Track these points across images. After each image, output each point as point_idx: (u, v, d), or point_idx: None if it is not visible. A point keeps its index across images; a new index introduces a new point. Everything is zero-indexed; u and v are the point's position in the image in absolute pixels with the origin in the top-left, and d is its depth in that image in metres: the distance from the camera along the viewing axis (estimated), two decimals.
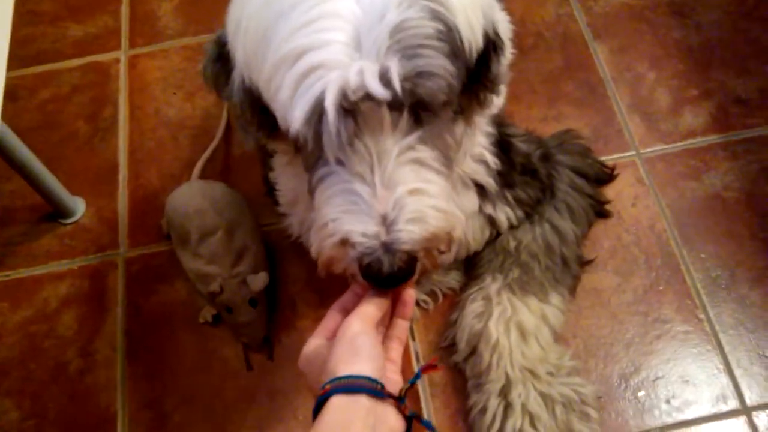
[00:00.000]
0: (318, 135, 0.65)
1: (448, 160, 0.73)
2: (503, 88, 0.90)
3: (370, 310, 0.70)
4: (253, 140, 0.82)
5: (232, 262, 1.08)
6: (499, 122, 1.02)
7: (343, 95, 0.62)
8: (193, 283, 1.12)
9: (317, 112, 0.63)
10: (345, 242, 0.68)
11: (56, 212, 1.26)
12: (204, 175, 1.23)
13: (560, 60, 1.37)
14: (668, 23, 1.39)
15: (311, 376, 0.70)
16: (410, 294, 0.75)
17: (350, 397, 0.63)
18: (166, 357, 1.13)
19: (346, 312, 0.72)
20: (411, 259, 0.68)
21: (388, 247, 0.66)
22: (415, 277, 0.71)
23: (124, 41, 1.47)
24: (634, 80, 1.33)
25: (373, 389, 0.63)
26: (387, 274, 0.67)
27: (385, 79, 0.61)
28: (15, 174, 1.17)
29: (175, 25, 1.49)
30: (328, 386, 0.63)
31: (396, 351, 0.74)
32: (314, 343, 0.72)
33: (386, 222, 0.66)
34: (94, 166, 1.32)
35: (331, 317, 0.74)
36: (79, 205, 1.27)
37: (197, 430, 1.07)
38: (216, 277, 1.07)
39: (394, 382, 0.70)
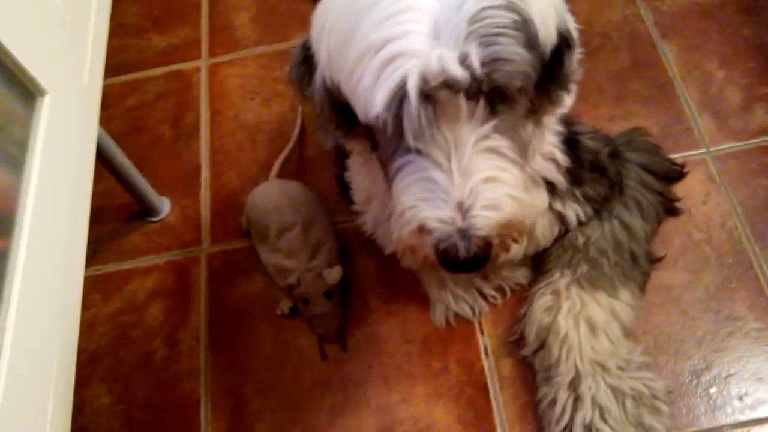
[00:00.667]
0: (398, 120, 0.68)
1: (522, 152, 0.75)
2: (573, 87, 0.93)
3: None
4: (331, 139, 0.87)
5: (309, 256, 1.13)
6: (568, 121, 1.03)
7: (424, 80, 0.65)
8: (271, 277, 1.18)
9: (398, 96, 0.66)
10: (422, 229, 0.71)
11: (144, 211, 1.34)
12: (280, 176, 1.29)
13: (627, 59, 1.37)
14: (737, 21, 1.38)
15: None
16: None
17: None
18: (245, 347, 1.19)
19: None
20: (486, 245, 0.71)
21: (464, 233, 0.69)
22: (489, 263, 0.73)
23: (204, 51, 1.56)
24: (703, 78, 1.33)
25: None
26: (463, 259, 0.70)
27: (465, 64, 0.64)
28: (105, 175, 1.25)
29: (252, 35, 1.56)
30: None
31: None
32: None
33: (462, 209, 0.69)
34: (178, 168, 1.40)
35: None
36: (165, 205, 1.35)
37: (274, 417, 1.12)
38: (293, 271, 1.12)
39: None
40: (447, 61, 0.64)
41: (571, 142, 1.02)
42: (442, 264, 0.72)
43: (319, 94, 0.79)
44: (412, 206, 0.71)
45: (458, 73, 0.65)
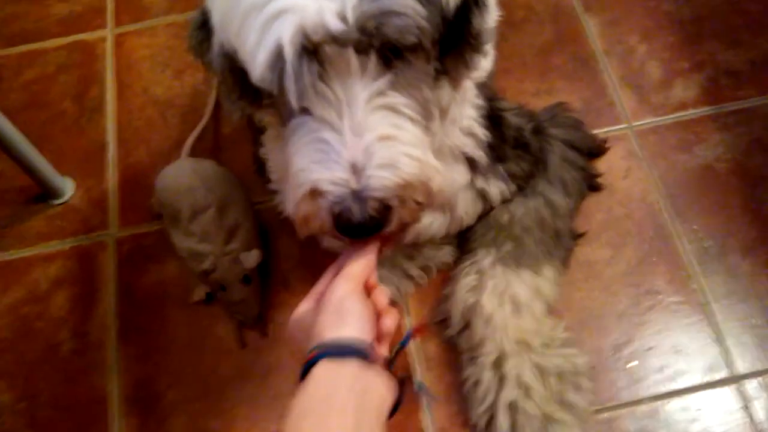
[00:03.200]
0: (282, 81, 0.64)
1: (426, 113, 0.72)
2: (490, 51, 0.89)
3: (356, 268, 0.68)
4: (237, 110, 0.81)
5: (225, 239, 1.08)
6: (490, 96, 1.01)
7: (305, 36, 0.61)
8: (185, 262, 1.11)
9: (279, 55, 0.62)
10: (315, 192, 0.67)
11: (45, 193, 1.25)
12: (193, 154, 1.21)
13: (551, 33, 1.36)
14: None
15: (299, 343, 0.68)
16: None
17: (337, 362, 0.60)
18: (159, 336, 1.13)
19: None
20: (384, 207, 0.67)
21: (358, 195, 0.65)
22: (391, 228, 0.69)
23: (110, 19, 1.45)
24: (626, 53, 1.33)
25: (361, 351, 0.61)
26: (358, 222, 0.66)
27: (343, 16, 0.61)
28: (2, 155, 1.15)
29: (161, 3, 1.47)
30: (314, 351, 0.61)
31: (389, 323, 0.71)
32: (303, 307, 0.70)
33: (356, 169, 0.65)
34: (82, 146, 1.31)
35: (324, 280, 0.72)
36: (68, 186, 1.26)
37: (192, 408, 1.07)
38: (208, 255, 1.07)
39: (390, 351, 0.68)
40: (326, 13, 0.60)
41: (494, 118, 1.00)
42: (338, 228, 0.68)
43: (217, 61, 0.73)
44: (304, 168, 0.67)
45: (337, 26, 0.61)
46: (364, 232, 0.68)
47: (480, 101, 0.96)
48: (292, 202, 0.71)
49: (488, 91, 1.00)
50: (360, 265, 0.69)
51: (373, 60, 0.65)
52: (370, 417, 0.61)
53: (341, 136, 0.65)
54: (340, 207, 0.66)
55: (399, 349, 0.69)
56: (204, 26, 0.74)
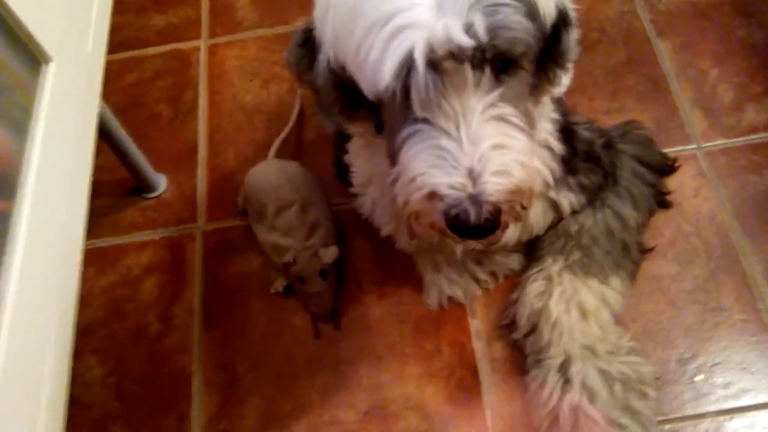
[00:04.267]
0: (406, 91, 0.70)
1: (530, 121, 0.77)
2: (570, 67, 0.94)
3: None
4: (333, 123, 0.88)
5: (306, 235, 1.14)
6: (564, 111, 1.05)
7: (430, 50, 0.67)
8: (267, 255, 1.19)
9: (406, 66, 0.68)
10: (432, 195, 0.73)
11: (140, 187, 1.34)
12: (278, 157, 1.29)
13: (623, 55, 1.40)
14: (732, 21, 1.40)
15: None
16: None
17: None
18: (239, 324, 1.20)
19: None
20: (496, 211, 0.73)
21: (474, 199, 0.71)
22: (500, 231, 0.75)
23: (204, 31, 1.56)
24: (697, 76, 1.35)
25: None
26: (473, 225, 0.72)
27: (470, 32, 0.67)
28: (103, 149, 1.25)
29: (252, 17, 1.57)
30: None
31: None
32: None
33: (473, 175, 0.71)
34: (175, 146, 1.40)
35: None
36: (161, 181, 1.35)
37: (266, 393, 1.13)
38: (290, 249, 1.13)
39: None
40: (453, 29, 0.66)
41: (566, 132, 1.04)
42: (452, 229, 0.74)
43: (323, 76, 0.80)
44: (423, 173, 0.73)
45: (464, 40, 0.66)
46: (478, 234, 0.73)
47: (555, 115, 1.01)
48: (403, 199, 0.77)
49: (562, 107, 1.05)
50: None
51: (486, 74, 0.71)
52: None
53: (459, 145, 0.71)
54: (457, 210, 0.72)
55: None
56: (306, 44, 0.82)
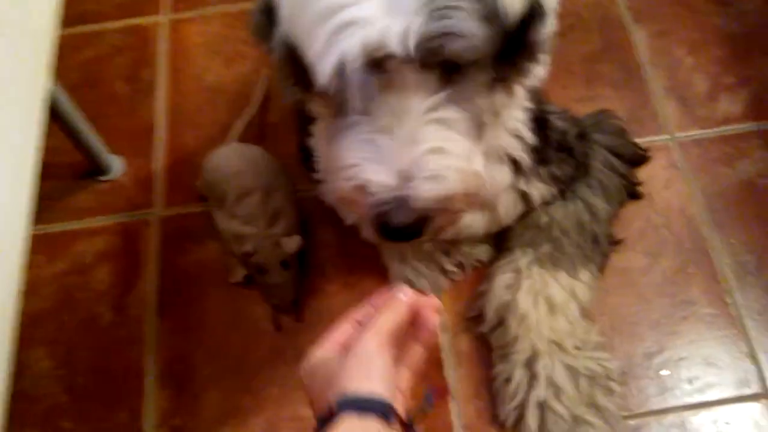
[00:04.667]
0: (344, 89, 0.67)
1: (479, 124, 0.74)
2: (546, 59, 0.91)
3: (387, 326, 0.65)
4: (291, 95, 0.84)
5: (267, 223, 1.10)
6: (538, 99, 1.02)
7: (368, 51, 0.64)
8: (226, 244, 1.14)
9: (343, 67, 0.65)
10: (361, 189, 0.70)
11: (94, 170, 1.28)
12: (240, 140, 1.24)
13: (598, 42, 1.36)
14: (709, 9, 1.38)
15: (313, 389, 0.67)
16: (433, 322, 0.69)
17: (360, 419, 0.59)
18: (196, 315, 1.15)
19: (359, 325, 0.68)
20: (422, 217, 0.70)
21: (401, 202, 0.68)
22: (427, 236, 0.72)
23: (166, 5, 1.49)
24: (672, 65, 1.33)
25: (385, 410, 0.60)
26: (396, 227, 0.69)
27: (410, 37, 0.63)
28: (55, 130, 1.19)
29: None
30: (336, 404, 0.60)
31: (405, 379, 0.69)
32: (320, 354, 0.68)
33: (404, 177, 0.68)
34: (132, 127, 1.34)
35: (343, 329, 0.70)
36: (116, 164, 1.29)
37: (225, 386, 1.09)
38: (251, 238, 1.09)
39: (408, 413, 0.66)
40: (389, 34, 0.63)
41: (539, 121, 1.01)
42: (376, 227, 0.71)
43: (278, 50, 0.76)
44: (356, 164, 0.70)
45: (396, 48, 0.63)
46: (401, 237, 0.71)
47: (528, 104, 0.98)
48: (336, 189, 0.74)
49: (535, 95, 1.01)
50: (390, 322, 0.66)
51: (432, 77, 0.68)
52: None
53: (395, 144, 0.68)
54: (382, 209, 0.69)
55: (419, 413, 0.68)
56: (268, 11, 0.77)
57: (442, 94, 0.69)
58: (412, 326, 0.70)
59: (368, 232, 1.10)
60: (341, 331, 0.70)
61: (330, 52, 0.65)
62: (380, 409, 0.59)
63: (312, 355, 0.69)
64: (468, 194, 0.73)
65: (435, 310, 0.69)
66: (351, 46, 0.64)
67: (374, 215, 0.70)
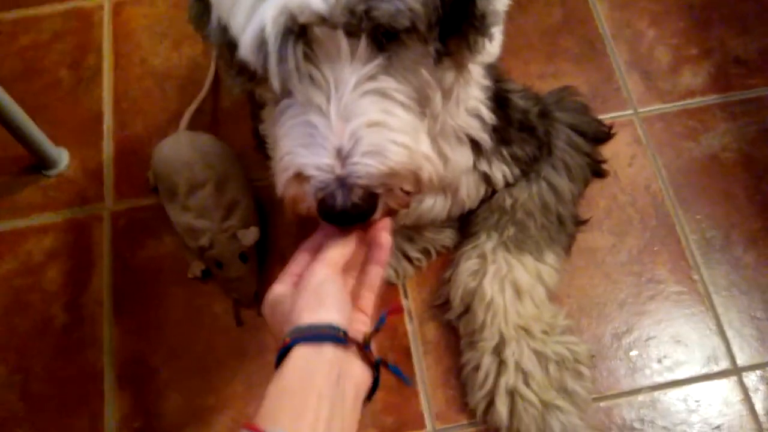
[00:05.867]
0: (267, 62, 0.61)
1: (423, 98, 0.70)
2: (497, 35, 0.86)
3: (336, 253, 0.67)
4: (237, 85, 0.79)
5: (223, 216, 1.06)
6: (497, 77, 0.99)
7: (290, 17, 0.59)
8: (181, 238, 1.10)
9: (264, 38, 0.60)
10: (300, 177, 0.65)
11: (39, 163, 1.22)
12: (191, 127, 1.19)
13: (559, 15, 1.33)
14: None
15: (274, 325, 0.68)
16: (385, 237, 0.71)
17: (314, 347, 0.60)
18: (154, 312, 1.11)
19: (315, 254, 0.69)
20: (369, 195, 0.65)
21: (342, 182, 0.63)
22: (376, 216, 0.68)
23: None
24: (634, 37, 1.31)
25: (336, 335, 0.61)
26: (341, 209, 0.64)
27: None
28: None
29: None
30: (290, 336, 0.61)
31: (367, 299, 0.71)
32: (278, 289, 0.68)
33: (342, 155, 0.63)
34: (77, 116, 1.28)
35: (299, 261, 0.70)
36: (62, 156, 1.23)
37: (186, 385, 1.06)
38: (206, 232, 1.05)
39: (364, 335, 0.67)
40: None
41: (500, 100, 0.98)
42: (321, 215, 0.66)
43: (215, 36, 0.71)
44: (290, 152, 0.65)
45: (320, 6, 0.58)
46: (348, 220, 0.66)
47: (487, 82, 0.94)
48: (279, 184, 0.69)
49: (495, 72, 0.98)
50: (339, 250, 0.68)
51: (363, 43, 0.62)
52: (347, 401, 0.62)
53: (328, 121, 0.63)
54: (323, 193, 0.64)
55: (373, 332, 0.68)
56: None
57: (376, 63, 0.64)
58: (366, 246, 0.71)
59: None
60: (297, 263, 0.70)
61: (250, 23, 0.60)
62: (332, 335, 0.61)
63: (271, 292, 0.69)
64: (413, 172, 0.68)
65: (384, 228, 0.70)
66: (271, 11, 0.59)
67: (318, 201, 0.65)
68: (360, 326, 0.68)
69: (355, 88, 0.63)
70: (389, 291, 1.11)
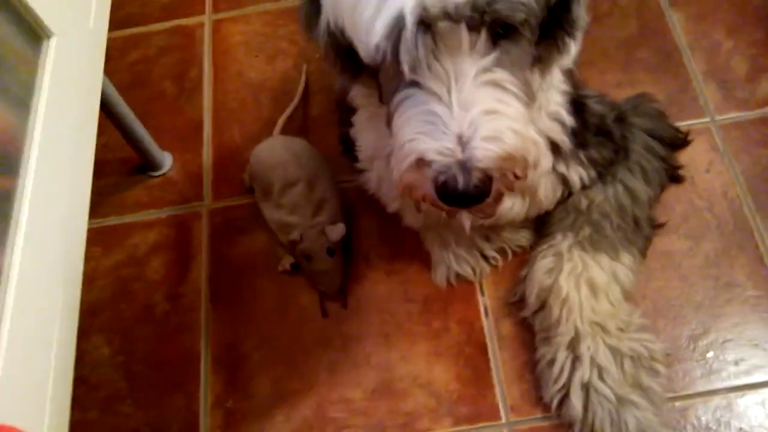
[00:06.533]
0: (397, 50, 0.68)
1: (528, 91, 0.75)
2: (579, 35, 0.92)
3: None
4: (340, 82, 0.86)
5: (312, 212, 1.13)
6: (575, 84, 1.03)
7: (423, 9, 0.65)
8: (273, 233, 1.18)
9: (397, 26, 0.66)
10: (421, 162, 0.71)
11: (146, 165, 1.33)
12: (284, 133, 1.28)
13: (635, 26, 1.37)
14: None
15: None
16: None
17: None
18: (246, 302, 1.19)
19: None
20: (486, 178, 0.70)
21: (463, 165, 0.69)
22: (489, 199, 0.73)
23: (208, 6, 1.54)
24: (711, 48, 1.32)
25: None
26: (462, 191, 0.69)
27: None
28: (108, 127, 1.23)
29: None
30: None
31: None
32: None
33: (462, 141, 0.69)
34: (180, 124, 1.39)
35: None
36: (167, 159, 1.34)
37: (275, 370, 1.13)
38: (296, 227, 1.12)
39: None
40: None
41: (577, 105, 1.02)
42: (441, 197, 0.72)
43: (323, 38, 0.78)
44: (412, 139, 0.71)
45: (451, 1, 0.64)
46: (467, 201, 0.71)
47: (566, 87, 0.99)
48: (396, 171, 0.75)
49: (573, 79, 1.03)
50: None
51: (483, 37, 0.69)
52: None
53: (449, 109, 0.69)
54: (445, 176, 0.69)
55: None
56: (314, 1, 0.80)
57: (492, 56, 0.70)
58: None
59: (409, 219, 1.13)
60: None
61: (383, 12, 0.66)
62: None
63: None
64: (524, 157, 0.74)
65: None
66: (407, 2, 0.65)
67: (439, 185, 0.70)
68: None
69: (474, 78, 0.69)
70: (465, 289, 1.16)
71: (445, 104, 0.69)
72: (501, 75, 0.71)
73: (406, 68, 0.69)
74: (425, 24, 0.66)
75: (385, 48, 0.68)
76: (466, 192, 0.70)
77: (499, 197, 0.76)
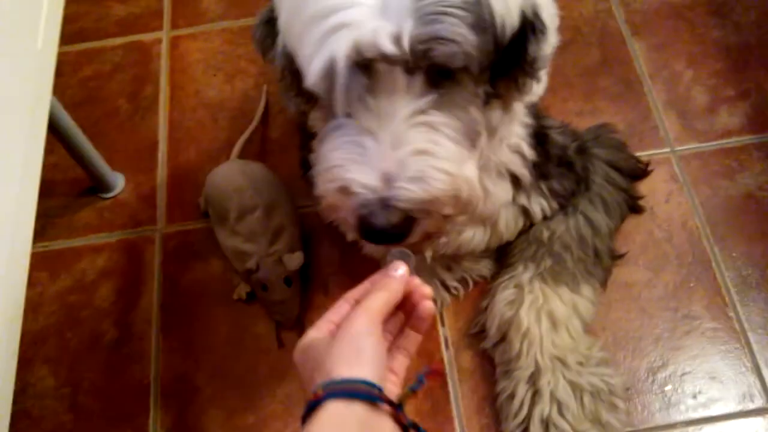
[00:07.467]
0: (332, 90, 0.67)
1: (471, 132, 0.74)
2: (544, 76, 0.91)
3: (379, 301, 0.65)
4: (293, 105, 0.85)
5: (269, 240, 1.10)
6: (537, 114, 1.02)
7: (358, 52, 0.64)
8: (229, 261, 1.14)
9: (332, 67, 0.65)
10: (345, 190, 0.70)
11: (96, 186, 1.28)
12: (242, 156, 1.24)
13: (597, 55, 1.37)
14: (707, 22, 1.39)
15: (305, 372, 0.65)
16: (429, 307, 0.69)
17: (345, 403, 0.57)
18: (199, 332, 1.15)
19: (356, 304, 0.67)
20: (407, 219, 0.69)
21: (385, 203, 0.68)
22: (413, 239, 0.72)
23: (167, 22, 1.50)
24: (671, 78, 1.34)
25: (370, 394, 0.58)
26: (380, 228, 0.68)
27: (397, 40, 0.63)
28: (57, 147, 1.19)
29: (217, 9, 1.51)
30: (322, 390, 0.58)
31: (400, 363, 0.69)
32: (313, 334, 0.67)
33: (387, 178, 0.68)
34: (134, 144, 1.34)
35: (339, 309, 0.69)
36: (118, 181, 1.29)
37: (228, 404, 1.09)
38: (253, 255, 1.09)
39: (393, 395, 0.64)
40: (380, 35, 0.63)
41: (539, 136, 1.01)
42: (359, 231, 0.71)
43: (279, 59, 0.77)
44: (340, 165, 0.70)
45: (389, 48, 0.64)
46: (385, 239, 0.70)
47: (529, 120, 0.98)
48: (321, 189, 0.74)
49: (535, 110, 1.02)
50: (382, 299, 0.65)
51: (419, 80, 0.68)
52: None
53: (379, 145, 0.68)
54: (365, 211, 0.69)
55: (409, 393, 0.66)
56: (270, 22, 0.78)
57: (429, 98, 0.69)
58: (407, 313, 0.70)
59: (369, 249, 1.11)
60: (336, 311, 0.69)
61: (320, 52, 0.66)
62: (367, 393, 0.58)
63: (305, 336, 0.67)
64: (457, 199, 0.73)
65: (428, 298, 0.69)
66: (341, 45, 0.64)
67: (357, 217, 0.70)
68: (391, 386, 0.65)
69: (407, 119, 0.68)
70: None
71: (375, 139, 0.68)
72: (435, 118, 0.70)
73: (339, 108, 0.69)
74: (361, 64, 0.66)
75: (322, 87, 0.68)
76: (384, 230, 0.69)
77: (427, 237, 0.74)
